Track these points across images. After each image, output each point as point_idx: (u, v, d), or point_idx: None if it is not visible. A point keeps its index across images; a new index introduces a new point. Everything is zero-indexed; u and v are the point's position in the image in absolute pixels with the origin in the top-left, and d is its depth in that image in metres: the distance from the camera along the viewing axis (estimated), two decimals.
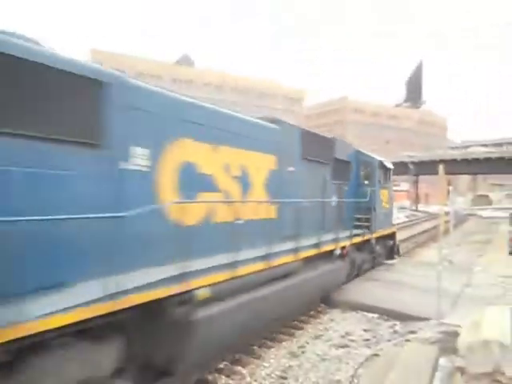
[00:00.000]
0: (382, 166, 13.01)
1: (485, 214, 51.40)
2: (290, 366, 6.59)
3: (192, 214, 5.49)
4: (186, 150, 5.50)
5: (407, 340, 7.43)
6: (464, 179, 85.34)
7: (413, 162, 48.32)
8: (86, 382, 4.13)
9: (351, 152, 11.77)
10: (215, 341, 5.65)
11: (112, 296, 4.14)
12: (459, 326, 7.18)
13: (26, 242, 3.57)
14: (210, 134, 5.94)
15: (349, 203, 10.98)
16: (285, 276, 7.47)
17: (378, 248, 13.19)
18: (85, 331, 4.05)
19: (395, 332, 8.21)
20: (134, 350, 4.76)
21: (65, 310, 3.69)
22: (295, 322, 8.60)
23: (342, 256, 10.13)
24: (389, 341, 7.66)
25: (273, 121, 7.80)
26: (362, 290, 10.90)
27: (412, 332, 7.99)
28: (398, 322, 8.72)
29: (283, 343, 7.54)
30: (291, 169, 8.11)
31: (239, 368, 6.44)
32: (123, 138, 4.61)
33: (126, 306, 4.32)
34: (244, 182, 6.69)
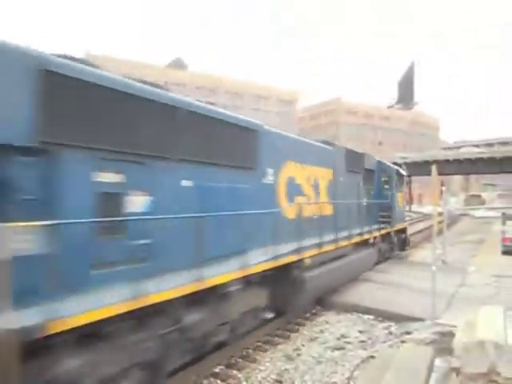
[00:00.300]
0: (397, 173, 16.08)
1: (477, 213, 51.71)
2: (285, 369, 6.56)
3: (293, 211, 8.40)
4: (290, 169, 8.49)
5: (402, 341, 7.43)
6: (457, 179, 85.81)
7: (406, 163, 48.50)
8: (255, 309, 7.31)
9: (374, 162, 14.69)
10: (313, 292, 8.80)
11: (271, 259, 7.27)
12: (454, 327, 7.18)
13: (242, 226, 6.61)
14: (301, 157, 8.94)
15: (375, 203, 13.91)
16: (342, 255, 10.64)
17: (395, 240, 16.07)
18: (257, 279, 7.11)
19: (390, 333, 8.21)
20: (270, 296, 7.76)
21: (257, 263, 6.89)
22: (290, 325, 8.57)
23: (373, 244, 13.31)
24: (384, 342, 7.65)
25: (328, 143, 10.98)
26: (357, 292, 10.90)
27: (407, 333, 8.00)
28: (393, 323, 8.72)
29: (278, 346, 7.51)
30: (341, 179, 11.08)
31: (235, 372, 6.40)
32: (263, 163, 7.52)
33: (278, 265, 7.48)
34: (316, 188, 9.65)
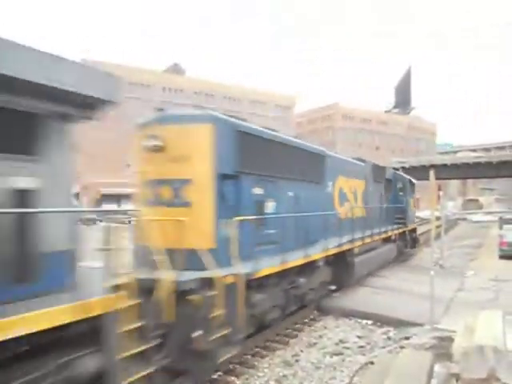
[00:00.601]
0: (410, 181, 19.42)
1: (475, 218, 51.74)
2: (284, 376, 6.51)
3: (344, 213, 11.47)
4: (340, 182, 11.51)
5: (402, 346, 7.39)
6: (454, 184, 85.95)
7: (403, 168, 48.61)
8: (324, 281, 10.13)
9: (392, 173, 18.29)
10: (359, 273, 12.01)
11: (336, 246, 10.23)
12: (453, 331, 7.16)
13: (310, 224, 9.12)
14: (346, 172, 12.03)
15: (394, 207, 17.20)
16: (375, 247, 13.95)
17: (408, 238, 19.22)
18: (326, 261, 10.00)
19: (389, 338, 8.17)
20: (332, 274, 10.57)
21: (330, 248, 9.87)
22: (289, 330, 8.53)
23: (394, 240, 16.70)
24: (383, 347, 7.62)
25: (360, 160, 14.23)
26: (355, 297, 10.87)
27: (406, 338, 7.96)
28: (391, 328, 8.68)
29: (277, 352, 7.46)
30: (370, 188, 14.14)
31: (233, 378, 6.35)
32: (326, 178, 10.56)
33: (341, 250, 10.51)
34: (355, 196, 12.78)
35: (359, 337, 8.29)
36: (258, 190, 7.52)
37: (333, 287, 11.03)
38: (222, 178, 6.63)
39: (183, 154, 6.41)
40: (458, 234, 32.54)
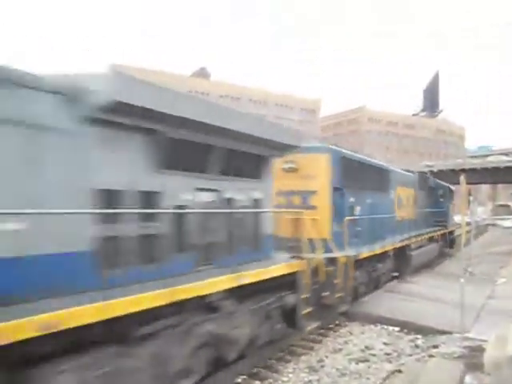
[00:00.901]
0: (449, 189, 22.36)
1: (505, 224, 50.17)
2: (309, 381, 6.42)
3: (400, 215, 13.88)
4: (398, 190, 13.83)
5: (430, 355, 7.20)
6: (484, 188, 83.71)
7: (432, 172, 47.61)
8: (390, 269, 12.92)
9: (433, 181, 20.60)
10: (415, 264, 14.90)
11: (399, 241, 13.28)
12: (484, 341, 6.93)
13: (378, 224, 11.67)
14: (401, 183, 14.31)
15: (436, 211, 19.67)
16: (423, 245, 16.87)
17: (448, 239, 22.06)
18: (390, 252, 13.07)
19: (417, 346, 7.97)
20: (394, 264, 13.12)
21: (396, 242, 13.11)
22: (313, 336, 8.43)
23: (436, 241, 19.32)
24: (410, 355, 7.43)
25: (410, 171, 16.69)
26: (381, 303, 10.67)
27: (434, 346, 7.76)
28: (419, 336, 8.48)
29: (302, 357, 7.37)
30: (418, 195, 16.43)
31: (257, 382, 6.31)
32: (390, 187, 13.03)
33: (402, 245, 13.61)
34: (408, 202, 15.08)
35: (386, 344, 8.12)
36: (351, 199, 10.18)
37: (396, 274, 13.78)
38: (334, 190, 9.48)
39: (310, 173, 9.31)
40: (488, 240, 31.66)
